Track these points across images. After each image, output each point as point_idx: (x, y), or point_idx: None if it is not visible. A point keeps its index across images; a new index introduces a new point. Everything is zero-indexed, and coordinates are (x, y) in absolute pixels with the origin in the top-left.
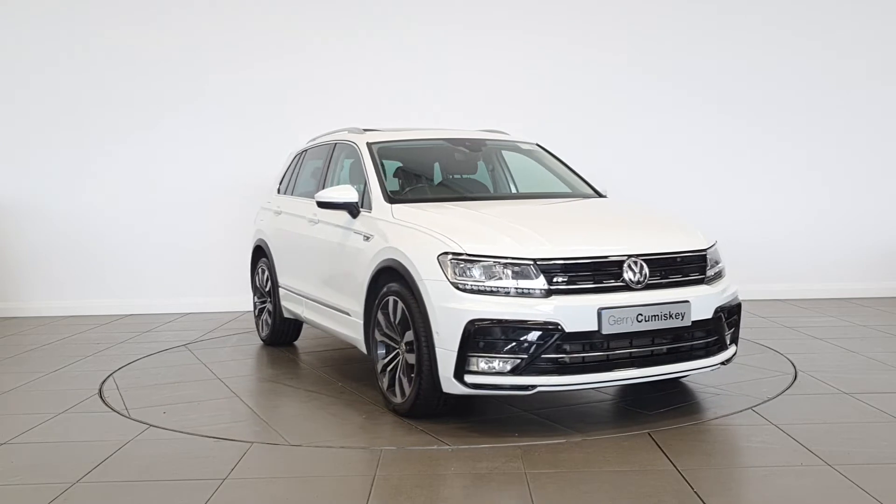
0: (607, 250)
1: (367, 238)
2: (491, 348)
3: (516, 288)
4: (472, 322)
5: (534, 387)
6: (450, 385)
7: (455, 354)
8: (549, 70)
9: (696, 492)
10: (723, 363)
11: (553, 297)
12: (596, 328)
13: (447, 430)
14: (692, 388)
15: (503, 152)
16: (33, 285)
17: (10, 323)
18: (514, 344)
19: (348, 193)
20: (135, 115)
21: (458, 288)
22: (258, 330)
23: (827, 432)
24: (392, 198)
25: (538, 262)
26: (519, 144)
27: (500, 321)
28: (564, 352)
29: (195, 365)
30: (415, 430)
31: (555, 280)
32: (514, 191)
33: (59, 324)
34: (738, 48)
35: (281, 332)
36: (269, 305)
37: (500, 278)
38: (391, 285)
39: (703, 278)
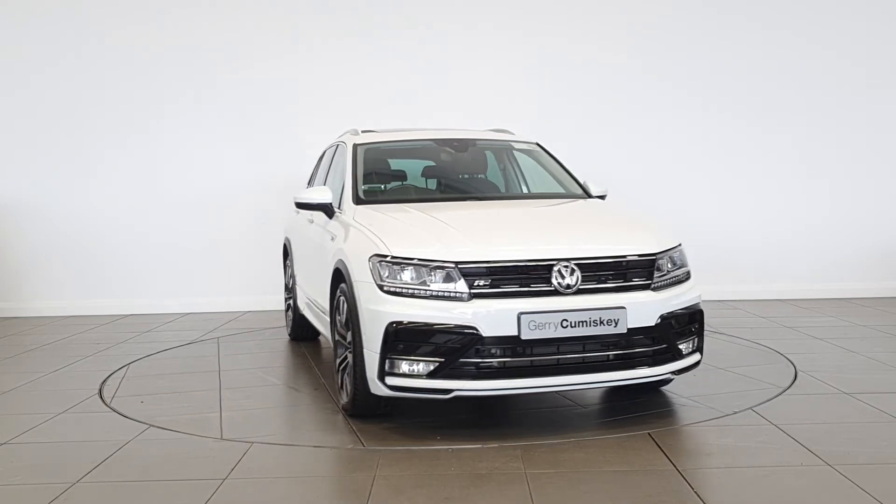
0: (536, 254)
1: (332, 238)
2: (410, 351)
3: (438, 291)
4: (392, 324)
5: (451, 391)
6: (375, 386)
7: (378, 356)
8: (549, 70)
9: (696, 492)
10: (676, 373)
11: (474, 300)
12: (516, 333)
13: (447, 431)
14: (692, 388)
15: (495, 152)
16: (33, 285)
17: (10, 323)
18: (432, 347)
19: (322, 194)
20: (135, 116)
21: (382, 290)
22: (286, 325)
23: (827, 432)
24: (360, 199)
25: (460, 266)
26: (512, 144)
27: (418, 324)
28: (483, 356)
29: (195, 365)
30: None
31: (476, 284)
32: (502, 191)
33: (59, 324)
34: (738, 48)
35: (301, 326)
36: (290, 301)
37: (424, 281)
38: (341, 286)
39: (649, 284)
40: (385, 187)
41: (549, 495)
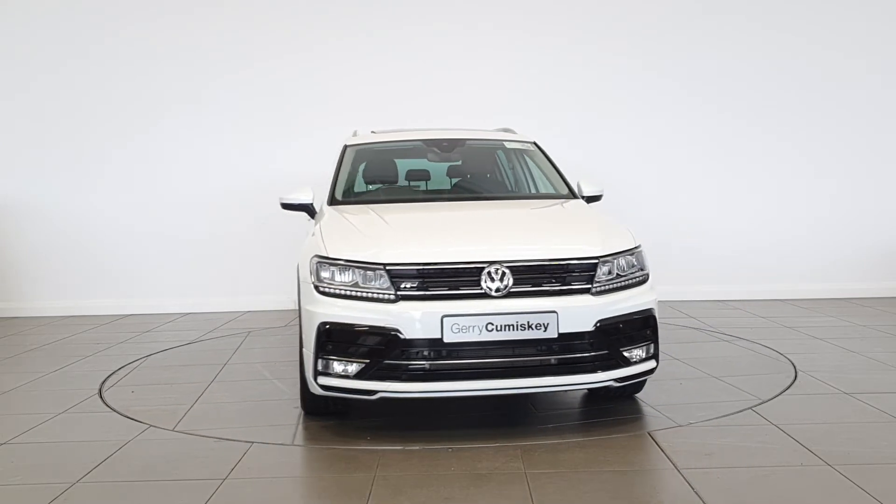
0: (466, 257)
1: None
2: (340, 352)
3: (368, 293)
4: (323, 324)
5: (377, 392)
6: (312, 386)
7: (313, 356)
8: (552, 69)
9: (696, 492)
10: (619, 381)
11: (401, 302)
12: (439, 336)
13: (447, 432)
14: (692, 388)
15: (486, 152)
16: (33, 285)
17: (10, 323)
18: (358, 349)
19: (303, 195)
20: (135, 116)
21: (318, 290)
22: None
23: (827, 432)
24: (335, 200)
25: (388, 268)
26: (504, 143)
27: (346, 325)
28: (408, 358)
29: (196, 364)
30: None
31: (404, 286)
32: (483, 191)
33: (59, 324)
34: (738, 48)
35: None
36: None
37: (357, 283)
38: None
39: (589, 288)
40: (370, 188)
41: (549, 495)
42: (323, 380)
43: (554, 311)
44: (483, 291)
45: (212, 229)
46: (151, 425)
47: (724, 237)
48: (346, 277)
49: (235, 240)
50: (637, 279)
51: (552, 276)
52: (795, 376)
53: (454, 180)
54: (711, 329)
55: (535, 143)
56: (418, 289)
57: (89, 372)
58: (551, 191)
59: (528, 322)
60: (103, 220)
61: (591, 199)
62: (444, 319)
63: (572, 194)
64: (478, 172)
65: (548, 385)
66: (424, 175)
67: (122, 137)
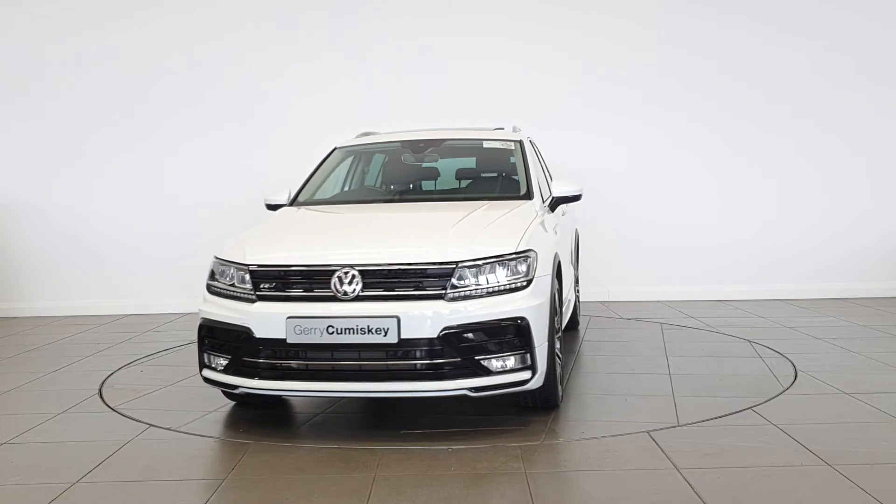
0: (319, 260)
1: None
2: (213, 348)
3: (236, 292)
4: (202, 321)
5: (238, 387)
6: (203, 378)
7: (198, 350)
8: (550, 69)
9: (695, 492)
10: (474, 390)
11: (259, 303)
12: (283, 336)
13: (446, 432)
14: (692, 388)
15: (465, 152)
16: (33, 285)
17: (10, 323)
18: (223, 345)
19: (280, 196)
20: (135, 117)
21: (209, 290)
22: None
23: (827, 432)
24: (295, 201)
25: (251, 269)
26: (483, 143)
27: (215, 323)
28: (261, 357)
29: (196, 364)
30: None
31: (263, 287)
32: (444, 190)
33: (59, 324)
34: (738, 48)
35: None
36: None
37: (233, 283)
38: None
39: (443, 294)
40: (346, 188)
41: (549, 495)
42: (205, 372)
43: (395, 317)
44: (333, 294)
45: (212, 229)
46: (151, 425)
47: (724, 237)
48: (227, 278)
49: None
50: (512, 286)
51: (403, 281)
52: (795, 376)
53: (425, 182)
54: (711, 329)
55: (520, 143)
56: (275, 290)
57: (89, 372)
58: (514, 191)
59: (369, 326)
60: (103, 220)
61: (563, 200)
62: (288, 321)
63: (528, 196)
64: (451, 174)
65: (393, 391)
66: (399, 177)
67: (122, 137)
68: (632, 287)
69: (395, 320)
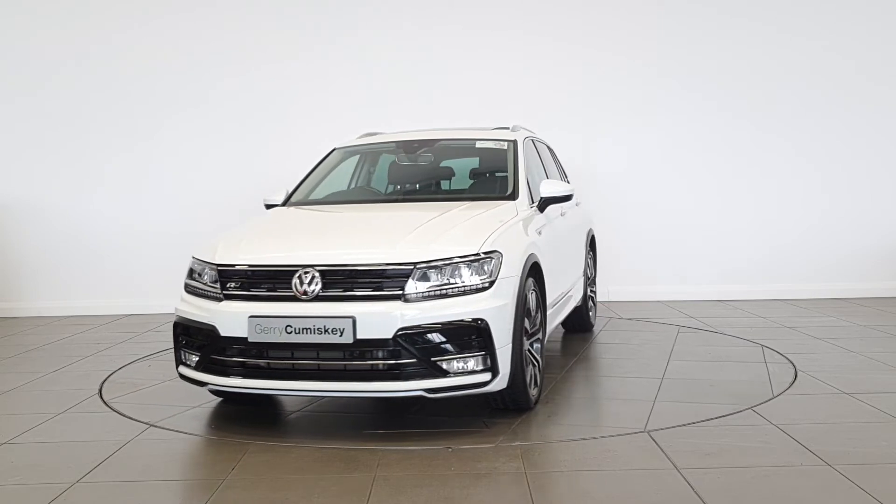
0: (281, 260)
1: None
2: (186, 345)
3: (206, 291)
4: (176, 320)
5: (206, 383)
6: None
7: (174, 348)
8: (550, 69)
9: (695, 492)
10: (430, 391)
11: (225, 301)
12: (245, 335)
13: (446, 432)
14: (692, 388)
15: (458, 152)
16: (33, 285)
17: (10, 323)
18: (193, 342)
19: (277, 196)
20: (136, 117)
21: (185, 288)
22: None
23: (827, 432)
24: (287, 201)
25: (219, 268)
26: (476, 143)
27: (187, 321)
28: (226, 354)
29: None
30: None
31: (229, 286)
32: (430, 191)
33: (59, 324)
34: (737, 48)
35: None
36: None
37: (206, 281)
38: None
39: (401, 295)
40: (336, 190)
41: (549, 495)
42: (180, 368)
43: (351, 317)
44: (294, 294)
45: (212, 230)
46: (151, 425)
47: (724, 237)
48: (200, 277)
49: None
50: (473, 287)
51: (362, 282)
52: (795, 376)
53: (415, 183)
54: (711, 329)
55: (514, 143)
56: (240, 289)
57: (89, 372)
58: (500, 192)
59: (325, 326)
60: (103, 220)
61: (552, 201)
62: (250, 320)
63: (513, 196)
64: (442, 174)
65: (350, 390)
66: (392, 178)
67: (122, 138)
68: (632, 287)
69: (350, 321)
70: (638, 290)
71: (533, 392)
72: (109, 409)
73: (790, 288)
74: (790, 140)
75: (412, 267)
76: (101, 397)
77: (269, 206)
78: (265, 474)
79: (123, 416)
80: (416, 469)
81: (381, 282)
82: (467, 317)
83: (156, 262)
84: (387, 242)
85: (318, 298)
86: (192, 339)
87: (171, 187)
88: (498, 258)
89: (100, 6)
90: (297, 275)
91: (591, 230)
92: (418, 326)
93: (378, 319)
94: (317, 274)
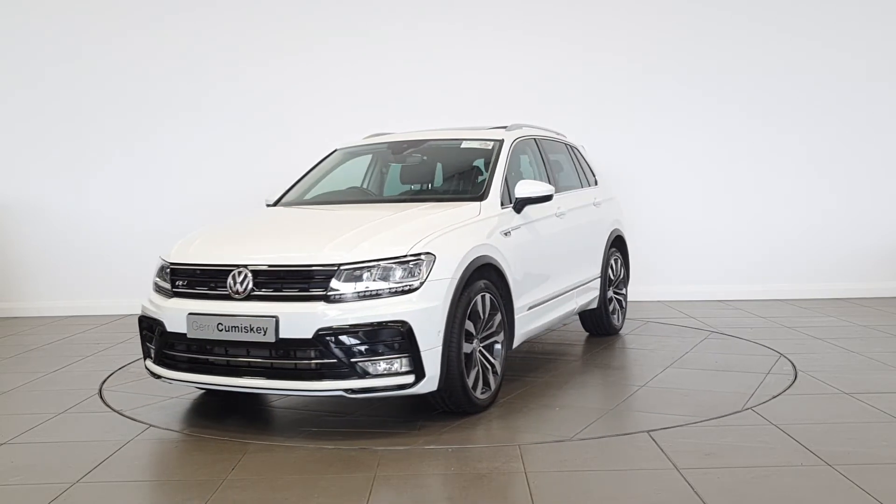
0: (218, 259)
1: None
2: (146, 339)
3: (161, 287)
4: (139, 315)
5: (160, 376)
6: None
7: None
8: (550, 69)
9: (696, 492)
10: (349, 392)
11: (174, 298)
12: (185, 331)
13: (446, 433)
14: (692, 388)
15: (447, 153)
16: (33, 285)
17: (10, 323)
18: (149, 337)
19: (274, 196)
20: (135, 117)
21: (154, 286)
22: None
23: (827, 432)
24: (278, 201)
25: (172, 266)
26: (462, 143)
27: (144, 317)
28: (173, 349)
29: None
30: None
31: (177, 283)
32: (411, 192)
33: (59, 324)
34: (739, 48)
35: None
36: None
37: (164, 278)
38: None
39: (326, 295)
40: (327, 190)
41: (549, 495)
42: (146, 361)
43: (275, 317)
44: (228, 293)
45: None
46: (151, 425)
47: (724, 237)
48: (160, 274)
49: None
50: (400, 289)
51: (289, 282)
52: (795, 376)
53: (395, 183)
54: (711, 329)
55: (500, 142)
56: (186, 287)
57: (89, 372)
58: (470, 192)
59: (251, 325)
60: (103, 220)
61: (528, 202)
62: (189, 317)
63: (482, 197)
64: (425, 175)
65: (276, 388)
66: (379, 178)
67: (122, 137)
68: (632, 287)
69: (273, 320)
70: (638, 290)
71: (481, 395)
72: (109, 409)
73: (790, 288)
74: (790, 141)
75: (336, 268)
76: (101, 397)
77: (269, 206)
78: (265, 474)
79: (123, 416)
80: (416, 469)
81: (308, 282)
82: (390, 318)
83: (155, 262)
84: (316, 243)
85: (249, 298)
86: (150, 333)
87: (171, 187)
88: (429, 260)
89: (100, 6)
90: (231, 274)
91: (616, 230)
92: (339, 327)
93: (299, 319)
94: (249, 274)
